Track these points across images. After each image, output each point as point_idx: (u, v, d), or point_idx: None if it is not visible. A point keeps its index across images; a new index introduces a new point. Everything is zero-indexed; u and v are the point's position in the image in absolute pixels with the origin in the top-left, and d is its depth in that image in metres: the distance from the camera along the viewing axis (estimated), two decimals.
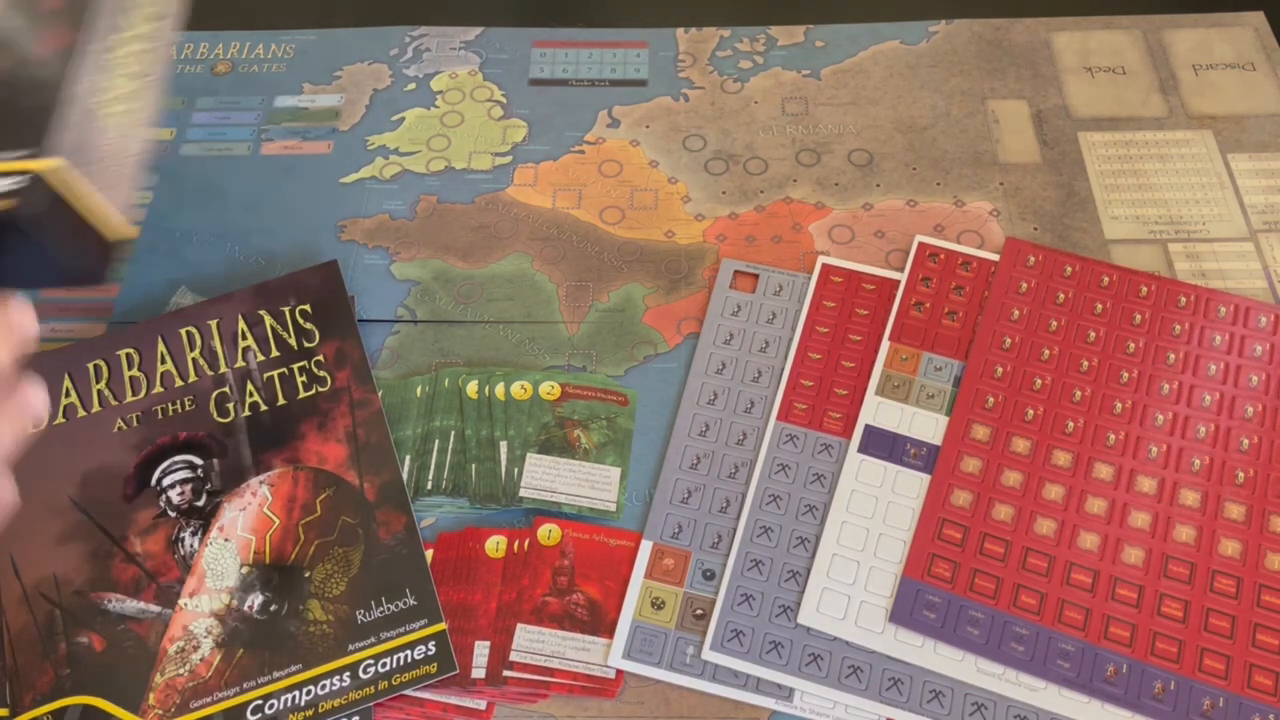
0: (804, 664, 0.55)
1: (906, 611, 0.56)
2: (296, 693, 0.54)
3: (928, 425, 0.62)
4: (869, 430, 0.62)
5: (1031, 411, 0.62)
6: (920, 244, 0.69)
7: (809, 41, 0.81)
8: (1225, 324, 0.65)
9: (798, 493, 0.60)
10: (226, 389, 0.63)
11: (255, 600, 0.57)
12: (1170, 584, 0.57)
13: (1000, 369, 0.63)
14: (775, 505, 0.60)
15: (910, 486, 0.60)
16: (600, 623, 0.57)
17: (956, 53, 0.80)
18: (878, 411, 0.63)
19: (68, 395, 0.63)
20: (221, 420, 0.62)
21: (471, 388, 0.64)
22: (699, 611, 0.57)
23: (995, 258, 0.68)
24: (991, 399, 0.63)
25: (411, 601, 0.57)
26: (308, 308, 0.66)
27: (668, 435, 0.63)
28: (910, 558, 0.58)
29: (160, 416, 0.62)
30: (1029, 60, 0.80)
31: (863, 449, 0.62)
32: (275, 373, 0.64)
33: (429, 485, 0.61)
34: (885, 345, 0.65)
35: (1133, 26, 0.82)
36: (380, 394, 0.63)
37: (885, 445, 0.62)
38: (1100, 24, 0.82)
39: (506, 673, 0.55)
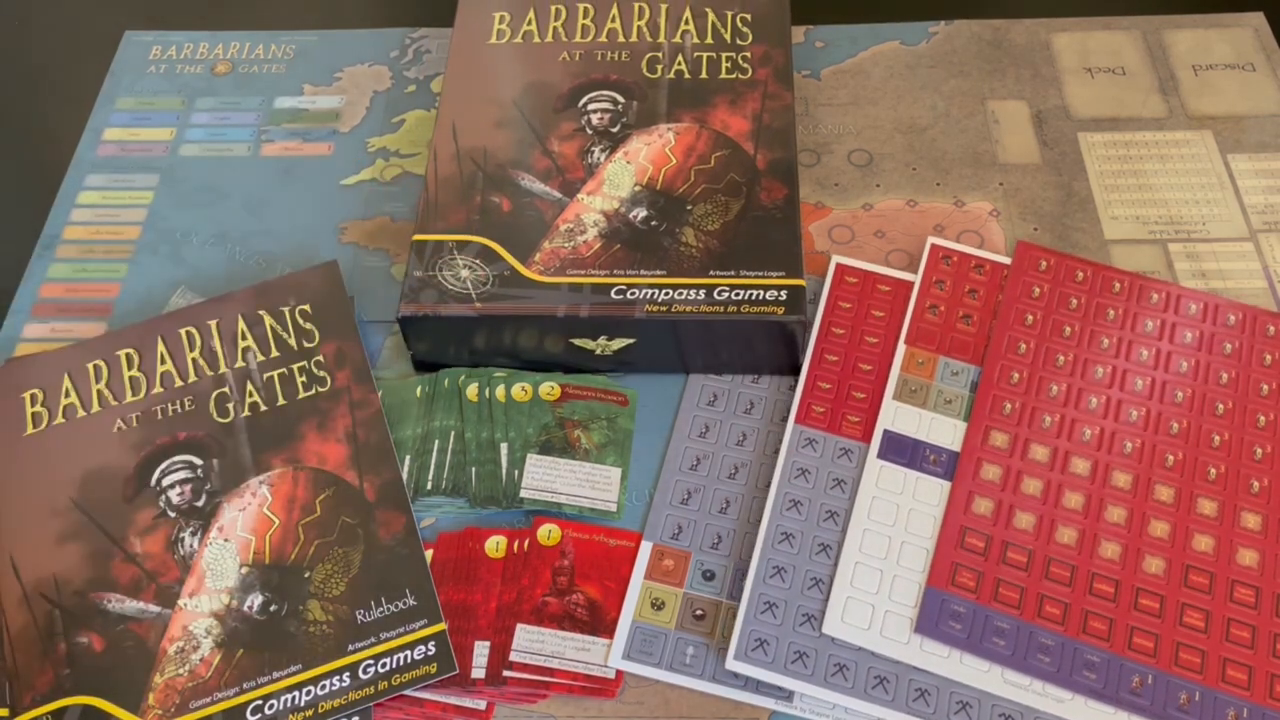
0: (830, 674, 0.55)
1: (932, 622, 0.56)
2: (296, 693, 0.54)
3: (946, 431, 0.62)
4: (888, 435, 0.62)
5: (1049, 418, 0.62)
6: (933, 245, 0.68)
7: (809, 41, 0.81)
8: (1235, 332, 0.65)
9: (818, 498, 0.60)
10: (226, 389, 0.63)
11: (255, 600, 0.57)
12: (1191, 594, 0.56)
13: (1016, 375, 0.63)
14: (796, 510, 0.59)
15: (931, 493, 0.60)
16: (600, 623, 0.57)
17: (956, 53, 0.80)
18: (896, 416, 0.62)
19: (68, 395, 0.63)
20: (221, 420, 0.62)
21: (471, 390, 0.64)
22: (699, 612, 0.57)
23: (1006, 261, 0.68)
24: (1009, 405, 0.62)
25: (411, 602, 0.57)
26: (307, 308, 0.66)
27: (668, 436, 0.63)
28: (934, 567, 0.57)
29: (160, 416, 0.62)
30: (1029, 61, 0.80)
31: (882, 454, 0.61)
32: (275, 373, 0.64)
33: (429, 485, 0.61)
34: (901, 348, 0.65)
35: (1132, 27, 0.82)
36: (380, 394, 0.63)
37: (904, 451, 0.61)
38: (1100, 24, 0.82)
39: (506, 673, 0.55)
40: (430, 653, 0.55)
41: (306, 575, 0.57)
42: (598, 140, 0.68)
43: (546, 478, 0.61)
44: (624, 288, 0.62)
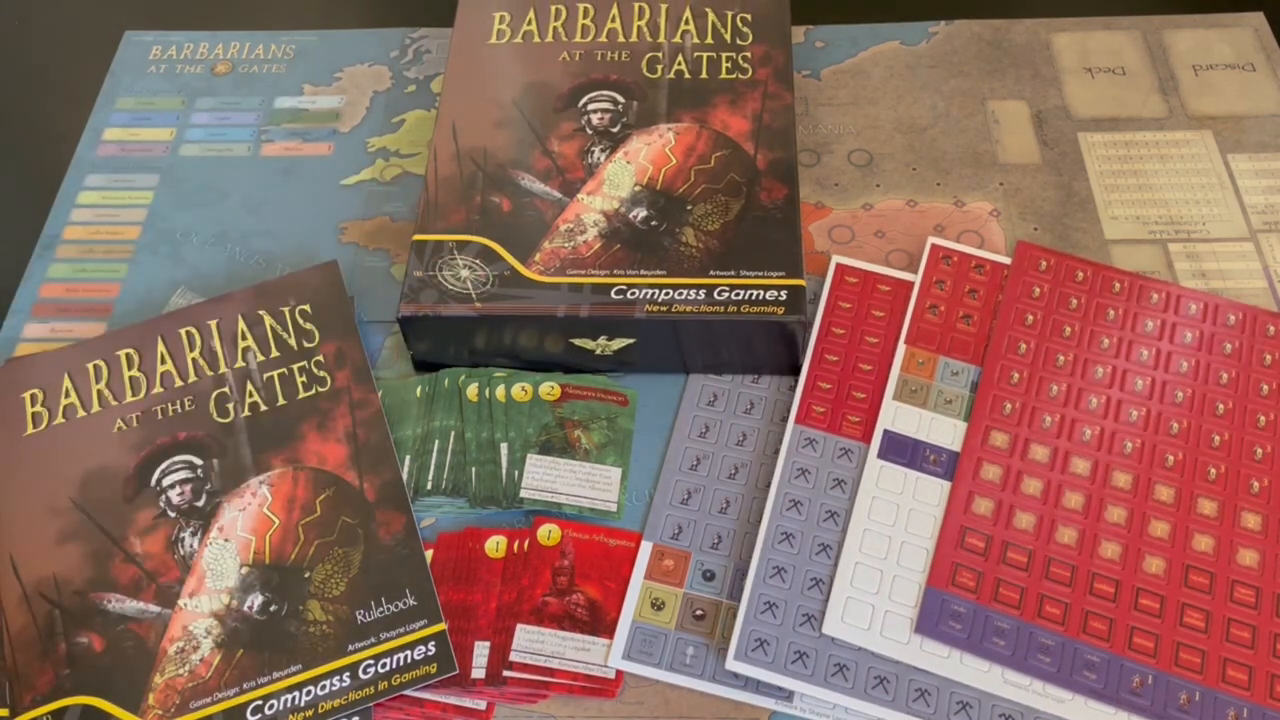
0: (830, 674, 0.55)
1: (932, 622, 0.56)
2: (296, 693, 0.54)
3: (946, 431, 0.62)
4: (888, 435, 0.62)
5: (1049, 418, 0.62)
6: (933, 245, 0.68)
7: (809, 41, 0.81)
8: (1235, 332, 0.65)
9: (818, 498, 0.60)
10: (226, 389, 0.63)
11: (255, 600, 0.57)
12: (1191, 594, 0.56)
13: (1016, 375, 0.63)
14: (796, 511, 0.59)
15: (931, 493, 0.60)
16: (600, 623, 0.57)
17: (956, 53, 0.80)
18: (896, 416, 0.62)
19: (68, 395, 0.63)
20: (221, 420, 0.62)
21: (471, 390, 0.64)
22: (699, 612, 0.57)
23: (1006, 261, 0.68)
24: (1009, 405, 0.62)
25: (411, 602, 0.57)
26: (308, 308, 0.66)
27: (668, 436, 0.63)
28: (934, 567, 0.57)
29: (160, 416, 0.62)
30: (1029, 61, 0.80)
31: (882, 455, 0.61)
32: (275, 373, 0.64)
33: (429, 485, 0.61)
34: (901, 348, 0.65)
35: (1132, 27, 0.82)
36: (380, 394, 0.63)
37: (904, 451, 0.61)
38: (1100, 24, 0.82)
39: (506, 673, 0.55)
40: (430, 653, 0.55)
41: (306, 575, 0.57)
42: (598, 140, 0.68)
43: (546, 478, 0.61)
44: (624, 288, 0.62)
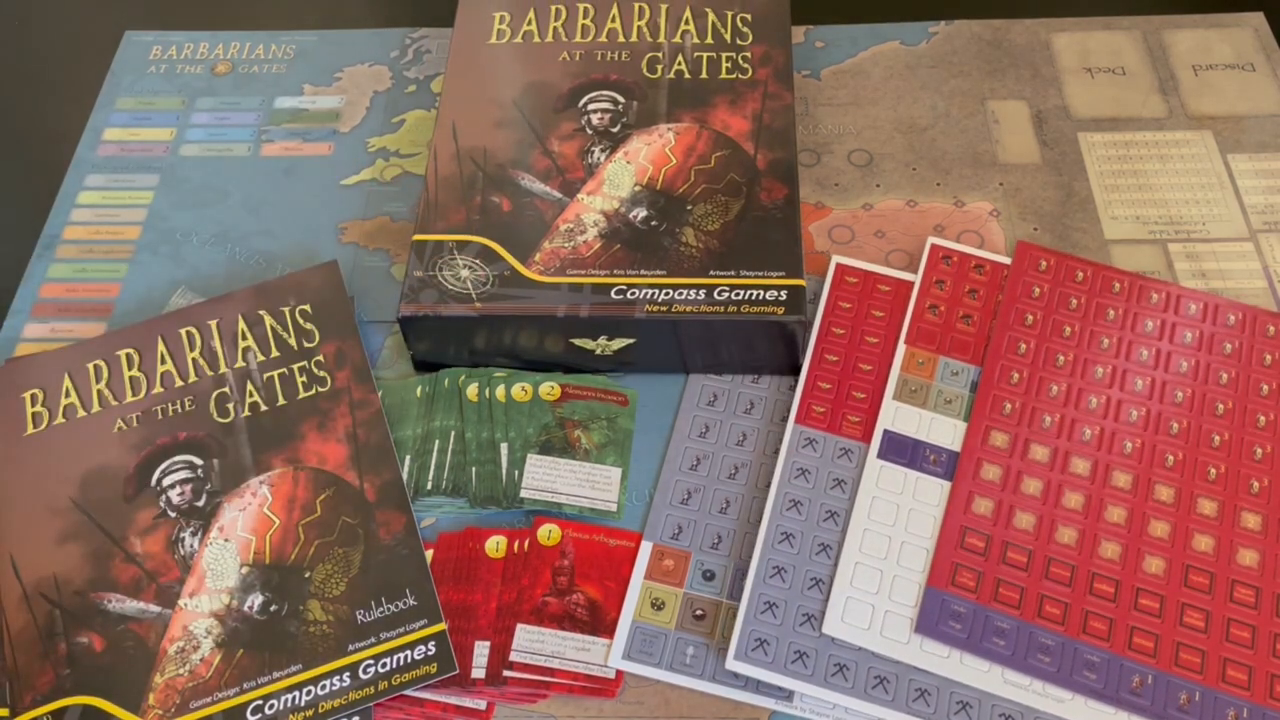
0: (830, 674, 0.55)
1: (932, 622, 0.56)
2: (296, 693, 0.54)
3: (946, 431, 0.62)
4: (888, 435, 0.62)
5: (1049, 418, 0.62)
6: (933, 245, 0.68)
7: (809, 42, 0.81)
8: (1235, 332, 0.65)
9: (818, 498, 0.60)
10: (226, 389, 0.63)
11: (255, 600, 0.57)
12: (1191, 594, 0.56)
13: (1016, 375, 0.63)
14: (796, 511, 0.59)
15: (931, 493, 0.60)
16: (600, 623, 0.57)
17: (956, 53, 0.80)
18: (896, 416, 0.62)
19: (68, 395, 0.63)
20: (221, 420, 0.62)
21: (472, 390, 0.64)
22: (699, 612, 0.57)
23: (1006, 261, 0.68)
24: (1009, 405, 0.62)
25: (411, 602, 0.57)
26: (308, 308, 0.66)
27: (668, 436, 0.63)
28: (934, 567, 0.57)
29: (160, 416, 0.62)
30: (1029, 61, 0.80)
31: (882, 454, 0.61)
32: (275, 373, 0.64)
33: (429, 485, 0.61)
34: (901, 348, 0.65)
35: (1132, 27, 0.82)
36: (380, 394, 0.63)
37: (905, 451, 0.61)
38: (1100, 24, 0.82)
39: (506, 673, 0.55)
40: (430, 653, 0.55)
41: (306, 575, 0.57)
42: (598, 140, 0.68)
43: (546, 478, 0.61)
44: (624, 288, 0.62)
